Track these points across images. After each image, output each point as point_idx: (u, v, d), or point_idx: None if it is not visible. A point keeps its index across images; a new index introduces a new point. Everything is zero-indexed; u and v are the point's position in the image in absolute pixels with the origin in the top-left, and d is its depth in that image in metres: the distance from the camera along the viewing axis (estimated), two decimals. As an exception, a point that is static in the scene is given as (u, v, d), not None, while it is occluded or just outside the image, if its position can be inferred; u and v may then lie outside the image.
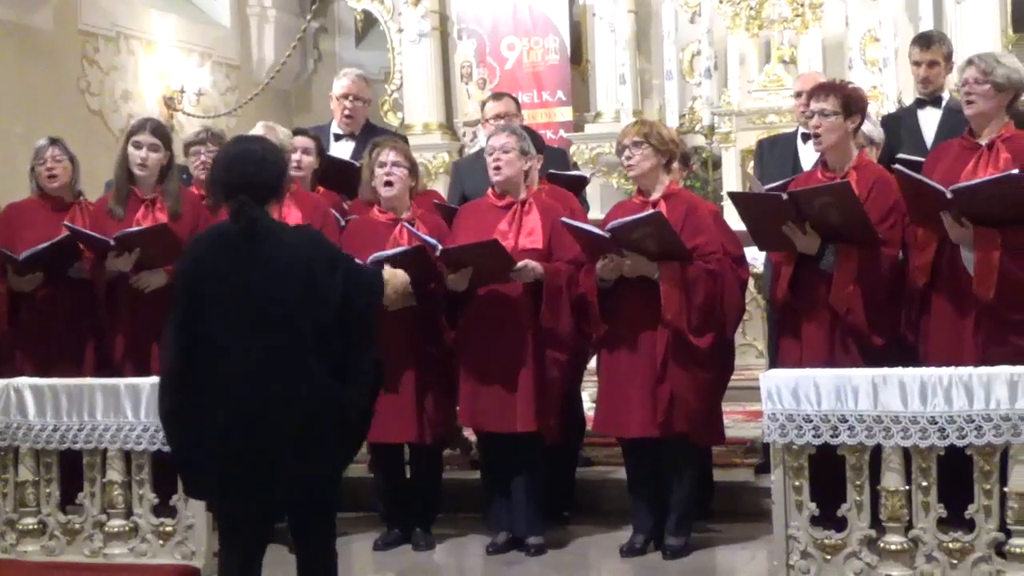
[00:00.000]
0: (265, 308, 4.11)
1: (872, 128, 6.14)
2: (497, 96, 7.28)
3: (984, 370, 4.75)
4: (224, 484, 4.18)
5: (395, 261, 5.53)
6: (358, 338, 4.26)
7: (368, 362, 4.30)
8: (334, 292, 4.19)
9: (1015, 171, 5.08)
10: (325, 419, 4.15)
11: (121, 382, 5.59)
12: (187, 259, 4.34)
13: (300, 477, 4.15)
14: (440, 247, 5.75)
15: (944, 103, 6.68)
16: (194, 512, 5.43)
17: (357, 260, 4.56)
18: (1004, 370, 4.73)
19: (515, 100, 7.26)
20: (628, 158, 5.74)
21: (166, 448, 5.41)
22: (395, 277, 4.98)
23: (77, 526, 5.62)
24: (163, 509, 5.55)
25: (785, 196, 5.43)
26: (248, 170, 4.24)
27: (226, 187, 4.27)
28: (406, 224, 5.82)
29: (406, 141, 6.89)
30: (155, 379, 5.50)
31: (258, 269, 4.14)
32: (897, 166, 5.41)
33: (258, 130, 6.23)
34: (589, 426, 6.34)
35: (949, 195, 5.08)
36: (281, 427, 4.09)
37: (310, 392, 4.11)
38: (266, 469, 4.11)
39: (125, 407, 5.50)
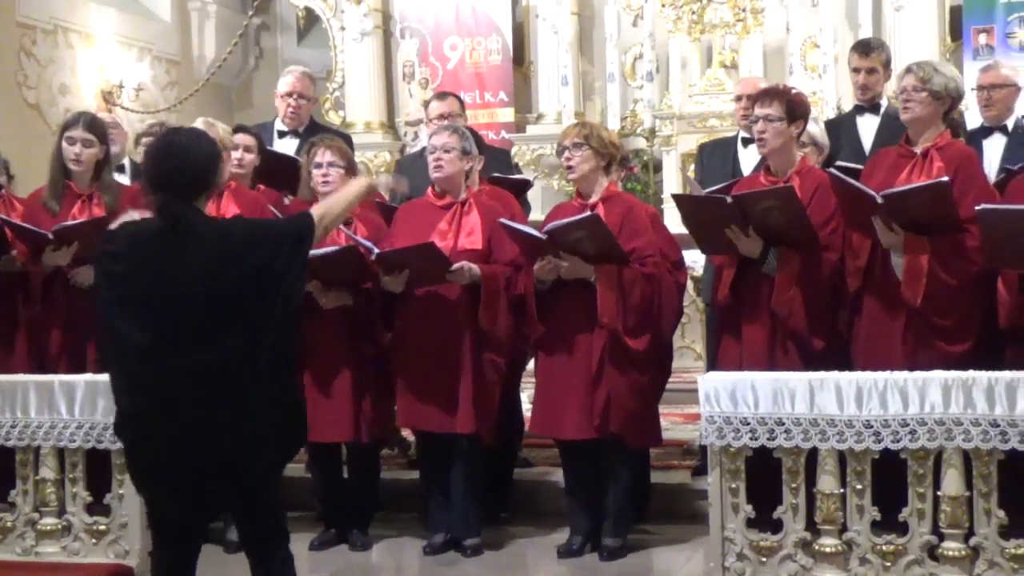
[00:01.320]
0: (193, 303, 4.00)
1: (819, 132, 6.19)
2: (441, 96, 7.27)
3: (919, 375, 4.80)
4: (171, 483, 4.10)
5: (327, 260, 5.50)
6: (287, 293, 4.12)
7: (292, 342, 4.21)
8: (283, 265, 4.08)
9: (943, 179, 5.14)
10: (265, 413, 4.09)
11: (56, 379, 5.52)
12: (110, 258, 4.17)
13: (242, 474, 4.09)
14: (376, 250, 5.73)
15: (883, 109, 6.75)
16: (128, 510, 5.37)
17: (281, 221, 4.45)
18: (938, 375, 4.78)
19: (459, 100, 7.25)
20: (568, 159, 5.75)
21: (100, 446, 5.38)
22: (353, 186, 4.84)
23: (9, 524, 5.54)
24: (97, 507, 5.49)
25: (729, 199, 5.46)
26: (174, 163, 4.11)
27: (153, 182, 4.13)
28: (342, 227, 5.77)
29: (349, 140, 6.87)
30: (90, 376, 5.48)
31: (185, 264, 4.02)
32: (831, 170, 5.47)
33: (198, 126, 6.17)
34: (527, 427, 6.34)
35: (880, 200, 5.13)
36: (219, 423, 4.02)
37: (251, 388, 4.04)
38: (209, 467, 4.04)
39: (59, 404, 5.42)
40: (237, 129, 6.62)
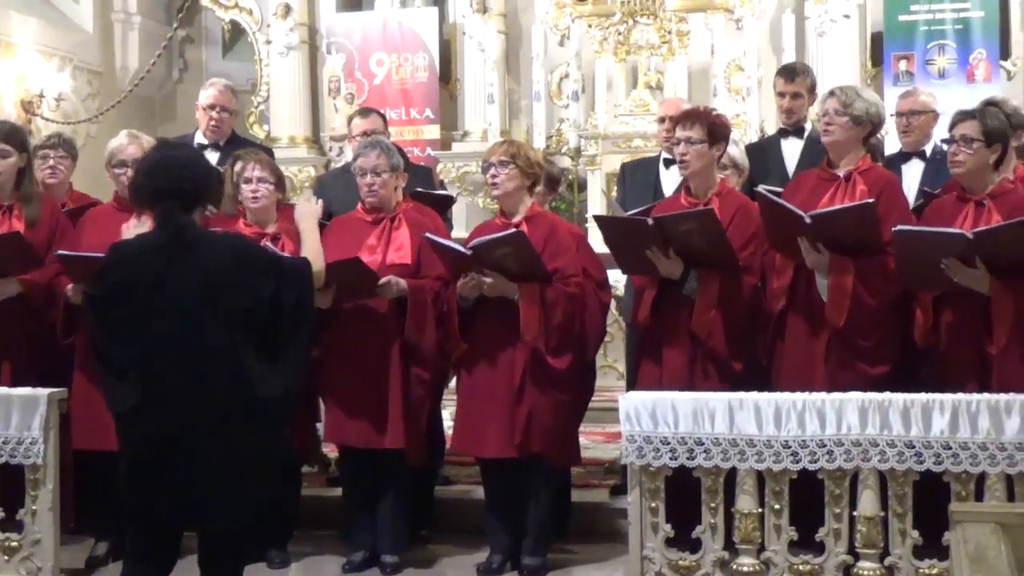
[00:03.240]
0: (196, 313, 4.12)
1: (739, 154, 6.25)
2: (365, 113, 7.23)
3: (836, 396, 4.86)
4: (168, 488, 4.16)
5: None
6: (290, 336, 4.28)
7: (296, 360, 4.33)
8: (266, 292, 4.21)
9: (870, 200, 5.22)
10: (269, 424, 4.23)
11: (-34, 393, 5.44)
12: (114, 270, 4.30)
13: (243, 490, 4.19)
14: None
15: (806, 133, 6.83)
16: (41, 527, 5.30)
17: (284, 256, 4.60)
18: (855, 396, 4.84)
19: (382, 117, 7.23)
20: (493, 176, 5.75)
21: (13, 460, 5.29)
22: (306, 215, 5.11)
23: (-82, 540, 5.45)
24: (8, 523, 5.40)
25: (650, 221, 5.50)
26: (175, 176, 4.25)
27: (152, 194, 4.27)
28: (268, 244, 5.73)
29: (271, 153, 6.82)
30: (3, 390, 5.41)
31: (189, 275, 4.15)
32: (759, 189, 5.53)
33: (122, 138, 6.13)
34: (448, 445, 6.32)
35: (808, 220, 5.19)
36: (221, 435, 4.12)
37: (250, 397, 4.14)
38: (207, 484, 4.13)
39: (-30, 419, 5.34)
40: (158, 143, 6.53)
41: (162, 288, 4.16)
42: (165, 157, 4.39)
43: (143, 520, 4.25)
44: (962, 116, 5.34)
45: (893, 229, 5.11)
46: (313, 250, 4.88)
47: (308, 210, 5.24)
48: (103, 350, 4.34)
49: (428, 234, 5.76)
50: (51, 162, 6.49)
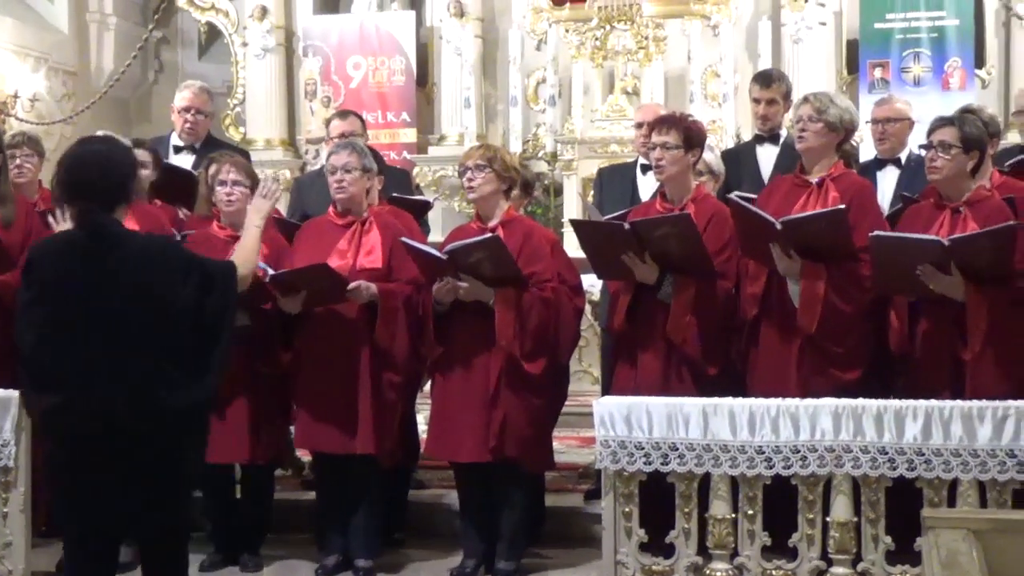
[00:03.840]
0: (114, 314, 4.02)
1: (715, 160, 6.26)
2: (343, 115, 7.20)
3: (810, 402, 4.87)
4: (89, 497, 4.09)
5: None
6: (211, 343, 4.19)
7: (216, 367, 4.24)
8: (188, 294, 4.11)
9: (841, 206, 5.23)
10: (187, 428, 4.13)
11: (-60, 394, 5.39)
12: (34, 268, 4.18)
13: (158, 491, 4.10)
14: (271, 272, 5.67)
15: (782, 140, 6.84)
16: (12, 529, 5.26)
17: (207, 259, 4.44)
18: (829, 402, 4.85)
19: (361, 119, 7.21)
20: (470, 180, 5.74)
21: (-14, 463, 5.26)
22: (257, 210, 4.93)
23: None
24: (-20, 526, 5.37)
25: (627, 225, 5.50)
26: (92, 173, 4.11)
27: (71, 190, 4.14)
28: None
29: (247, 156, 6.80)
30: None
31: (108, 276, 4.03)
32: (731, 196, 5.54)
33: (97, 140, 6.09)
34: (423, 449, 6.31)
35: (779, 227, 5.21)
36: (138, 438, 4.03)
37: (166, 400, 4.05)
38: (126, 483, 4.05)
39: (-59, 420, 5.30)
40: (132, 144, 6.52)
41: (78, 288, 4.04)
42: (85, 152, 4.22)
43: (64, 521, 4.18)
44: (940, 123, 5.36)
45: (870, 235, 5.13)
46: (247, 251, 4.70)
47: (261, 207, 5.01)
48: (24, 348, 4.19)
49: (403, 238, 5.75)
50: (18, 161, 6.45)
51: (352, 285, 5.66)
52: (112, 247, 4.07)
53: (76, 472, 4.09)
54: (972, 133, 5.28)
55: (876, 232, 5.15)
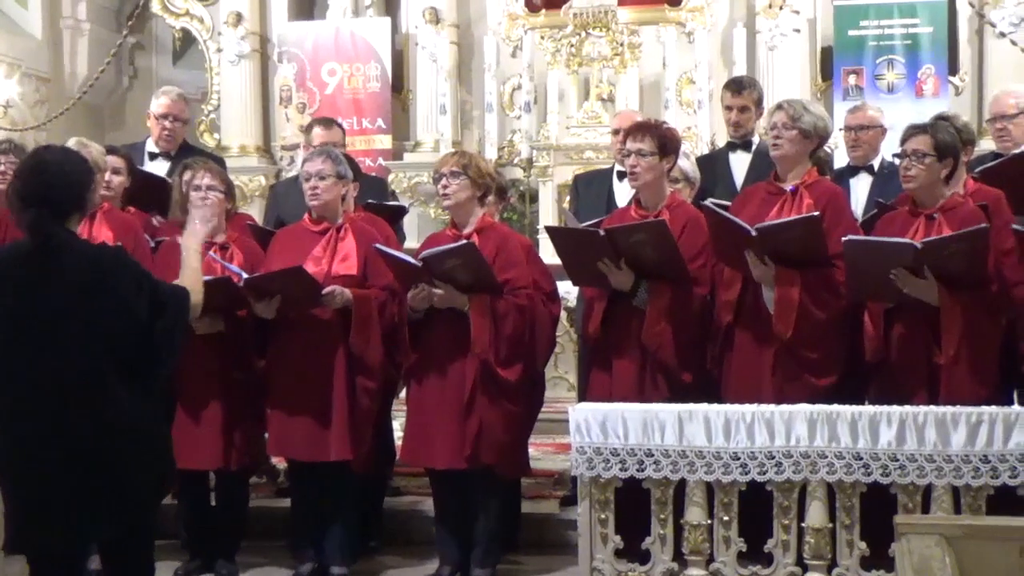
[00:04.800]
0: (61, 327, 3.96)
1: (691, 168, 6.27)
2: (327, 124, 7.13)
3: (785, 408, 4.89)
4: (40, 517, 4.01)
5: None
6: (159, 358, 4.13)
7: (162, 382, 4.21)
8: (138, 311, 4.05)
9: (815, 213, 5.25)
10: (133, 443, 4.05)
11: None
12: None
13: (115, 507, 4.04)
14: (244, 276, 5.66)
15: (754, 147, 6.86)
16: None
17: (160, 281, 4.33)
18: (804, 408, 4.87)
19: (342, 129, 7.21)
20: (444, 187, 5.74)
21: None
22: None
23: None
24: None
25: (602, 232, 5.51)
26: (45, 181, 4.03)
27: (23, 199, 4.05)
28: (211, 254, 5.68)
29: (222, 163, 6.78)
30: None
31: (54, 286, 3.97)
32: (706, 203, 5.55)
33: (71, 146, 6.05)
34: (398, 456, 6.30)
35: (754, 233, 5.22)
36: (87, 453, 3.97)
37: (113, 415, 3.99)
38: (78, 500, 3.98)
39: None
40: (107, 151, 6.50)
41: (25, 298, 3.98)
42: (39, 161, 4.14)
43: (17, 551, 4.13)
44: (914, 131, 5.38)
45: (843, 239, 5.15)
46: (194, 277, 4.54)
47: (197, 232, 4.83)
48: None
49: (378, 245, 5.74)
50: (1, 168, 6.42)
51: (327, 290, 5.66)
52: (59, 255, 4.00)
53: (21, 492, 4.04)
54: (946, 140, 5.31)
55: (849, 236, 5.17)
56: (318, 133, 6.94)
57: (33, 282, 3.99)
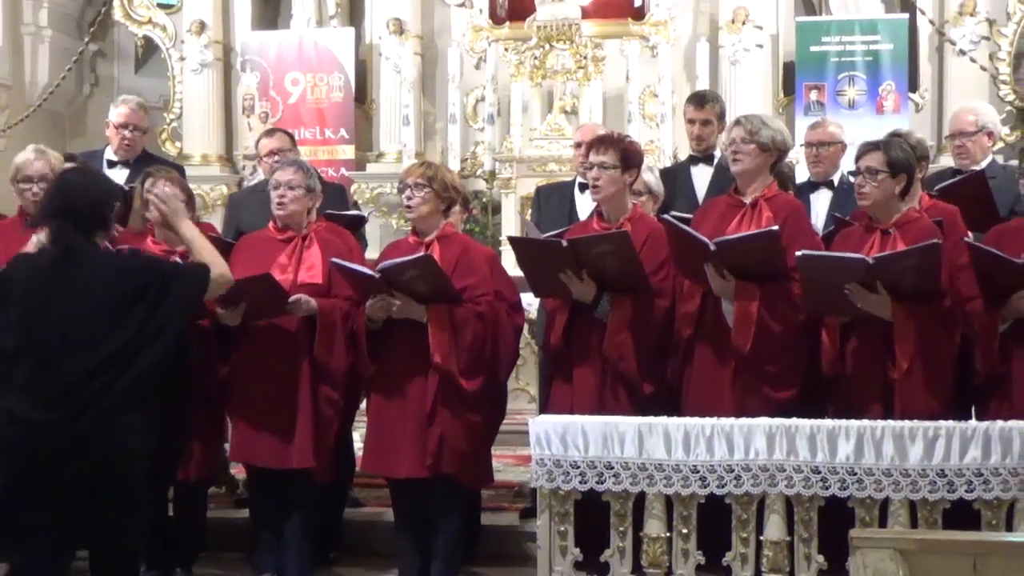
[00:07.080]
0: (82, 333, 4.22)
1: (655, 181, 6.29)
2: (270, 132, 7.20)
3: (744, 421, 4.91)
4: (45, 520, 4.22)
5: None
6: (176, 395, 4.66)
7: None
8: (160, 317, 4.38)
9: (774, 227, 5.28)
10: (138, 458, 4.34)
11: None
12: (15, 282, 4.40)
13: (119, 509, 4.32)
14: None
15: (716, 161, 6.88)
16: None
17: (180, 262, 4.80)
18: (763, 422, 4.89)
19: (289, 135, 7.20)
20: (409, 198, 5.73)
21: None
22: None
23: None
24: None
25: (564, 243, 5.52)
26: (66, 197, 4.44)
27: (47, 213, 4.48)
28: (177, 259, 5.66)
29: (182, 171, 6.75)
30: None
31: (74, 293, 4.26)
32: (666, 217, 5.58)
33: (29, 153, 6.04)
34: (359, 466, 6.29)
35: (712, 247, 5.24)
36: (99, 458, 4.20)
37: (126, 421, 4.26)
38: (83, 503, 4.23)
39: None
40: (64, 158, 6.45)
41: (47, 305, 4.28)
42: (63, 182, 4.62)
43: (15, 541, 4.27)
44: (867, 148, 5.43)
45: (797, 254, 5.18)
46: (206, 249, 4.99)
47: (177, 210, 5.29)
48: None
49: (335, 259, 5.73)
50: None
51: (292, 298, 5.65)
52: (79, 264, 4.34)
53: (16, 498, 4.19)
54: (898, 157, 5.35)
55: (803, 251, 5.20)
56: (264, 143, 7.00)
57: (57, 288, 4.30)
